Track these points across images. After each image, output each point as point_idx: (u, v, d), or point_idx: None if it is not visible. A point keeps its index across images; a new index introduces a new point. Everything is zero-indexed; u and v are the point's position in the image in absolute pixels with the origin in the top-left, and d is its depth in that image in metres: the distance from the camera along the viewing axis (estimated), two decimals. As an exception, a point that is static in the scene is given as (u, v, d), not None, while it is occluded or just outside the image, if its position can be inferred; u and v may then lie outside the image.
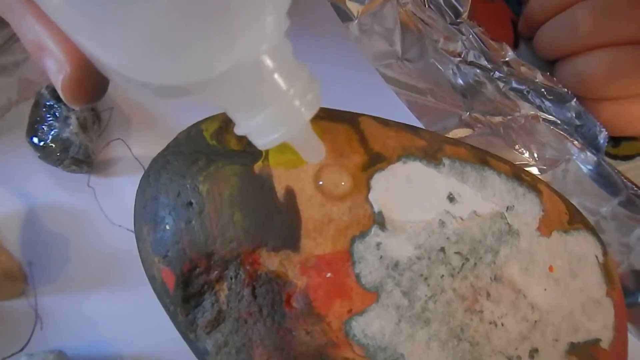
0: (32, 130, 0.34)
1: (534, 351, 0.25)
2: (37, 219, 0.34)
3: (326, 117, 0.26)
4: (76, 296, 0.33)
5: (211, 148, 0.24)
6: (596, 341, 0.28)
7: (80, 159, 0.34)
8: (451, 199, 0.25)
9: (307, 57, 0.39)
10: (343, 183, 0.24)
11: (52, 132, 0.33)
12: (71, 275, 0.33)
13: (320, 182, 0.24)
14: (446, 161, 0.26)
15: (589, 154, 0.41)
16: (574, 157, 0.42)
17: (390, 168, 0.25)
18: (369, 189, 0.24)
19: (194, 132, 0.25)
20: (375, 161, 0.25)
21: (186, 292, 0.24)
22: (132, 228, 0.34)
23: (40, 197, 0.35)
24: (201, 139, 0.25)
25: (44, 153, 0.33)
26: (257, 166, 0.23)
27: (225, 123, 0.25)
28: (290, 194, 0.23)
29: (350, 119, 0.26)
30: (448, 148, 0.27)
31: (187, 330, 0.24)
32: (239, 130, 0.20)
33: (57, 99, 0.34)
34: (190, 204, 0.23)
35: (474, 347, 0.24)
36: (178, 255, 0.23)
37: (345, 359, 0.22)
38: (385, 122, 0.27)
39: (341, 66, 0.40)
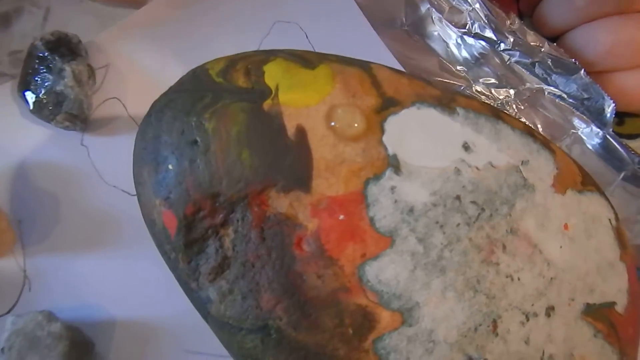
0: (25, 83, 0.32)
1: (550, 309, 0.24)
2: (27, 177, 0.32)
3: (336, 60, 0.25)
4: (67, 257, 0.32)
5: (218, 85, 0.23)
6: (612, 304, 0.27)
7: (74, 114, 0.32)
8: (466, 147, 0.24)
9: (312, 21, 0.39)
10: (356, 124, 0.23)
11: (46, 85, 0.32)
12: (62, 236, 0.32)
13: (333, 123, 0.22)
14: (460, 111, 0.25)
15: (594, 128, 0.40)
16: (580, 132, 0.41)
17: (405, 112, 0.24)
18: (382, 131, 0.23)
19: (199, 71, 0.24)
20: (388, 104, 0.24)
21: (188, 237, 0.22)
22: (127, 189, 0.33)
23: (31, 154, 0.33)
24: (207, 77, 0.24)
25: (37, 107, 0.32)
26: (267, 104, 0.22)
27: (232, 62, 0.24)
28: (301, 132, 0.22)
29: (361, 64, 0.25)
30: (461, 99, 0.26)
31: (188, 279, 0.23)
32: None
33: (51, 50, 0.32)
34: (195, 142, 0.22)
35: (490, 300, 0.23)
36: (181, 196, 0.22)
37: (358, 305, 0.21)
38: (397, 71, 0.26)
39: (345, 35, 0.39)
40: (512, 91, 0.41)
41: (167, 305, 0.30)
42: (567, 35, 0.41)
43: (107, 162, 0.34)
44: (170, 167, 0.22)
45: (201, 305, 0.23)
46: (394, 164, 0.22)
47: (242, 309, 0.21)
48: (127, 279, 0.31)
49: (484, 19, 0.39)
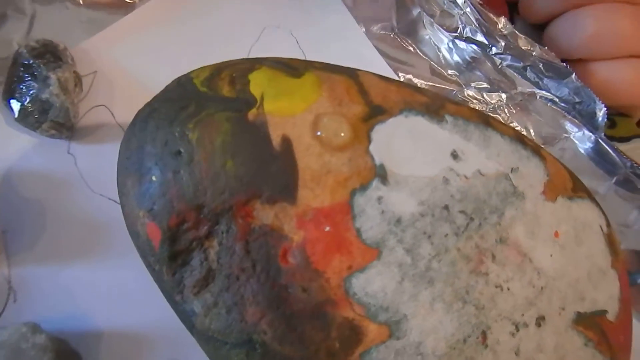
0: (9, 91, 0.32)
1: (540, 318, 0.24)
2: (12, 186, 0.32)
3: (322, 68, 0.24)
4: (53, 267, 0.31)
5: (202, 94, 0.23)
6: (603, 312, 0.27)
7: (60, 122, 0.32)
8: (455, 156, 0.24)
9: (302, 26, 0.38)
10: (342, 133, 0.22)
11: (31, 93, 0.31)
12: (48, 245, 0.31)
13: (319, 133, 0.22)
14: (449, 118, 0.25)
15: (586, 132, 0.40)
16: (572, 136, 0.41)
17: (392, 121, 0.24)
18: (369, 140, 0.23)
19: (183, 80, 0.24)
20: (375, 113, 0.23)
21: (173, 249, 0.22)
22: (115, 197, 0.32)
23: (16, 162, 0.32)
24: (191, 86, 0.23)
25: (22, 115, 0.31)
26: (251, 113, 0.22)
27: (217, 70, 0.24)
28: (286, 142, 0.21)
29: (348, 72, 0.25)
30: (450, 106, 0.26)
31: (172, 291, 0.22)
32: None
33: (36, 57, 0.32)
34: (179, 152, 0.22)
35: (480, 311, 0.23)
36: (165, 208, 0.22)
37: (345, 319, 0.21)
38: (384, 78, 0.26)
39: (336, 40, 0.39)
40: (504, 95, 0.41)
41: (155, 316, 0.30)
42: (553, 22, 0.40)
43: (94, 171, 0.33)
44: (153, 178, 0.22)
45: (186, 318, 0.22)
46: (380, 173, 0.22)
47: (226, 323, 0.21)
48: (114, 288, 0.31)
49: (475, 22, 0.39)
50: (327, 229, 0.21)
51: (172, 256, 0.22)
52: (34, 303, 0.30)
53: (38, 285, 0.31)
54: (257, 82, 0.23)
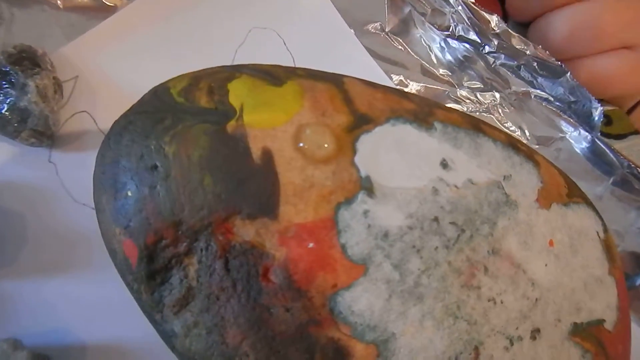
0: (-14, 99, 0.31)
1: (535, 331, 0.23)
2: (-9, 197, 0.31)
3: (306, 75, 0.23)
4: (34, 280, 0.30)
5: (179, 106, 0.22)
6: (600, 322, 0.26)
7: (40, 130, 0.31)
8: (444, 165, 0.23)
9: (289, 26, 0.37)
10: (326, 145, 0.21)
11: (9, 101, 0.30)
12: (29, 258, 0.30)
13: (301, 145, 0.21)
14: (438, 125, 0.24)
15: (582, 131, 0.39)
16: (567, 136, 0.40)
17: (378, 130, 0.23)
18: (354, 151, 0.22)
19: (160, 90, 0.23)
20: (361, 122, 0.23)
21: (151, 268, 0.21)
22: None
23: (-5, 173, 0.32)
24: (168, 97, 0.22)
25: (0, 124, 0.30)
26: (230, 125, 0.21)
27: (195, 80, 0.23)
28: (267, 155, 0.21)
29: (333, 78, 0.24)
30: (439, 112, 0.25)
31: (152, 310, 0.22)
32: None
33: (14, 64, 0.31)
34: (155, 167, 0.21)
35: (472, 327, 0.22)
36: (141, 225, 0.21)
37: (330, 339, 0.20)
38: (371, 84, 0.25)
39: (324, 39, 0.38)
40: (497, 95, 0.40)
41: (141, 330, 0.29)
42: (533, 24, 0.40)
43: (77, 180, 0.32)
44: (129, 193, 0.21)
45: (167, 338, 0.22)
46: (366, 186, 0.21)
47: (207, 345, 0.20)
48: (98, 302, 0.30)
49: (467, 21, 0.38)
50: (311, 245, 0.20)
51: (150, 274, 0.21)
52: (15, 317, 0.30)
53: (20, 300, 0.30)
54: (237, 93, 0.22)
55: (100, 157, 0.22)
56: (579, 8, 0.36)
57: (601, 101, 0.37)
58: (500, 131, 0.27)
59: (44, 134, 0.31)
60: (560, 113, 0.39)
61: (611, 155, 0.38)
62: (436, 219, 0.22)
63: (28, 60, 0.31)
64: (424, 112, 0.24)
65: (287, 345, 0.20)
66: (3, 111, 0.30)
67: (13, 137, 0.31)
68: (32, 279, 0.30)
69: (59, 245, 0.31)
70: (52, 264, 0.31)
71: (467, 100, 0.40)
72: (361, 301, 0.20)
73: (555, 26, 0.37)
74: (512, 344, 0.23)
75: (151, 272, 0.21)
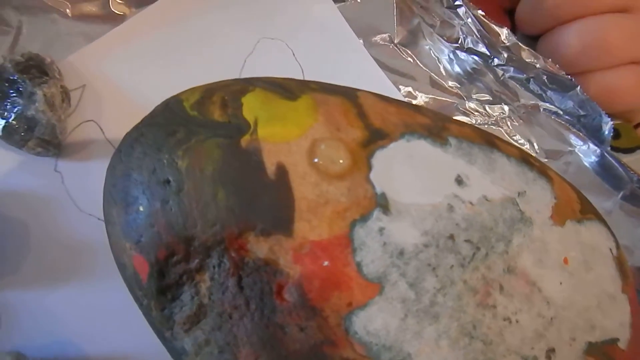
0: (-7, 108, 0.31)
1: (550, 351, 0.23)
2: (-4, 206, 0.31)
3: (319, 89, 0.23)
4: (39, 291, 0.30)
5: (192, 119, 0.22)
6: (614, 341, 0.26)
7: (46, 139, 0.30)
8: (459, 181, 0.23)
9: (298, 37, 0.37)
10: (341, 160, 0.21)
11: (16, 110, 0.30)
12: (33, 268, 0.30)
13: (316, 160, 0.21)
14: (452, 141, 0.24)
15: (591, 145, 0.39)
16: (576, 149, 0.39)
17: (393, 146, 0.22)
18: (369, 167, 0.21)
19: (172, 103, 0.23)
20: (376, 137, 0.22)
21: (161, 283, 0.21)
22: (103, 217, 0.31)
23: (1, 181, 0.31)
24: (180, 110, 0.22)
25: (6, 132, 0.30)
26: (244, 139, 0.21)
27: (208, 93, 0.23)
28: (281, 170, 0.20)
29: (346, 92, 0.24)
30: (453, 127, 0.25)
31: (162, 327, 0.21)
32: None
33: (21, 72, 0.30)
34: (167, 181, 0.20)
35: (487, 347, 0.21)
36: (152, 240, 0.20)
37: (345, 359, 0.20)
38: (384, 98, 0.25)
39: (333, 49, 0.38)
40: (506, 107, 0.40)
41: (145, 342, 0.29)
42: (543, 38, 0.40)
43: (83, 189, 0.32)
44: (140, 208, 0.20)
45: (176, 356, 0.21)
46: (382, 203, 0.21)
47: (219, 364, 0.20)
48: (102, 313, 0.30)
49: (477, 33, 0.38)
50: (326, 263, 0.20)
51: (160, 290, 0.21)
52: (19, 329, 0.29)
53: (23, 310, 0.30)
54: (250, 106, 0.22)
55: (111, 170, 0.22)
56: (590, 22, 0.36)
57: (609, 115, 0.37)
58: (513, 146, 0.27)
59: (51, 143, 0.31)
60: (570, 127, 0.39)
61: (620, 169, 0.38)
62: (451, 237, 0.22)
63: (36, 68, 0.31)
64: (437, 127, 0.24)
65: (301, 365, 0.19)
66: (10, 120, 0.30)
67: (20, 146, 0.31)
68: (35, 289, 0.30)
69: (63, 255, 0.30)
70: (56, 274, 0.30)
71: (476, 113, 0.39)
72: (377, 321, 0.20)
73: (566, 40, 0.37)
74: (527, 364, 0.22)
75: (162, 288, 0.21)
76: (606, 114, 0.36)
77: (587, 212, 0.28)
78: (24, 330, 0.29)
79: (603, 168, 0.39)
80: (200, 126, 0.21)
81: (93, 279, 0.30)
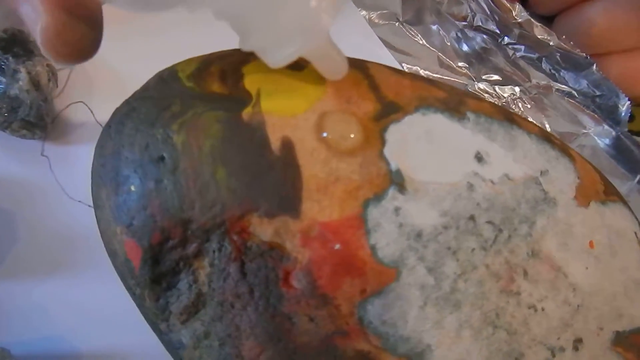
0: (-26, 87, 0.29)
1: (577, 341, 0.21)
2: (-21, 193, 0.29)
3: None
4: (26, 283, 0.28)
5: (188, 91, 0.20)
6: (641, 330, 0.24)
7: (32, 121, 0.28)
8: (479, 158, 0.21)
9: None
10: (352, 135, 0.19)
11: (-2, 89, 0.28)
12: (20, 259, 0.28)
13: (325, 134, 0.19)
14: (471, 116, 0.22)
15: (606, 127, 0.37)
16: (591, 132, 0.38)
17: (408, 120, 0.21)
18: (383, 142, 0.20)
19: (166, 75, 0.21)
20: (389, 111, 0.20)
21: (156, 271, 0.19)
22: (94, 204, 0.29)
23: (-17, 167, 0.29)
24: (176, 81, 0.20)
25: (-12, 114, 0.28)
26: (246, 113, 0.19)
27: (205, 64, 0.21)
28: (287, 146, 0.18)
29: (356, 63, 0.22)
30: (471, 102, 0.23)
31: (157, 318, 0.19)
32: (244, 44, 0.17)
33: (4, 49, 0.28)
34: (162, 158, 0.18)
35: (511, 337, 0.20)
36: (146, 223, 0.18)
37: (359, 352, 0.18)
38: (397, 70, 0.23)
39: (338, 29, 0.36)
40: (517, 89, 0.38)
41: (138, 336, 0.27)
42: (562, 16, 0.38)
43: (71, 175, 0.30)
44: (132, 188, 0.19)
45: (173, 351, 0.19)
46: (397, 181, 0.19)
47: (219, 358, 0.18)
48: (94, 306, 0.28)
49: (487, 10, 0.36)
50: (337, 247, 0.18)
51: (155, 279, 0.19)
52: (5, 324, 0.28)
53: (9, 304, 0.28)
54: (253, 77, 0.20)
55: (100, 148, 0.20)
56: (617, 2, 0.34)
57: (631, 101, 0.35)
58: (533, 123, 0.25)
59: (37, 125, 0.29)
60: (584, 108, 0.38)
61: (637, 152, 0.36)
62: (472, 218, 0.20)
63: (19, 45, 0.29)
64: (454, 101, 0.22)
65: (311, 358, 0.18)
66: (-8, 100, 0.28)
67: (3, 128, 0.29)
68: (22, 281, 0.28)
69: (52, 246, 0.29)
70: (45, 266, 0.29)
71: (486, 94, 0.38)
72: (393, 309, 0.18)
73: (591, 17, 0.35)
74: (553, 355, 0.21)
75: (156, 276, 0.19)
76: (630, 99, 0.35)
77: (610, 193, 0.26)
78: (10, 325, 0.28)
79: (618, 151, 0.37)
80: (198, 99, 0.19)
81: (83, 270, 0.29)
